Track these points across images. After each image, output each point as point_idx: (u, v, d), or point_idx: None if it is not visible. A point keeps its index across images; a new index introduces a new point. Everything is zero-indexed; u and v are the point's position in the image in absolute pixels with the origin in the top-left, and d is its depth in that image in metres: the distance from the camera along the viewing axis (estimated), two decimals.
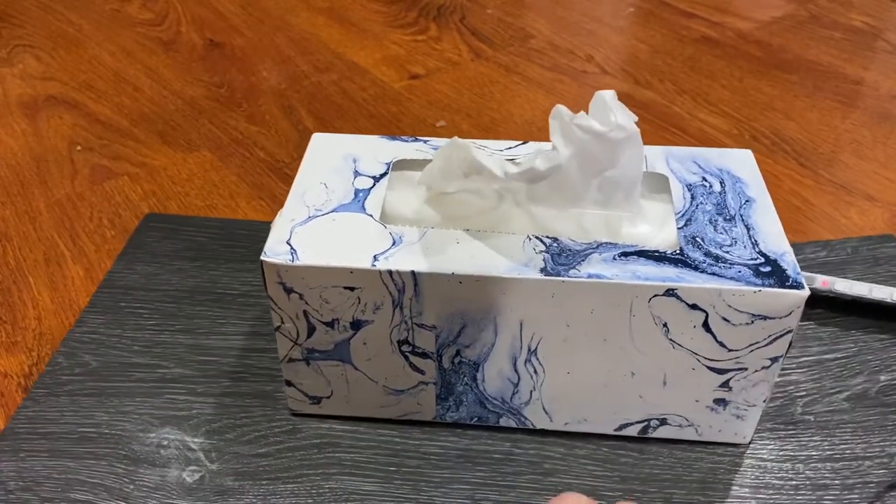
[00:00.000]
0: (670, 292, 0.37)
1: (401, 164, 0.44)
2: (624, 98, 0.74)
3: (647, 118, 0.71)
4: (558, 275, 0.37)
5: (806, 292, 0.36)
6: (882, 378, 0.46)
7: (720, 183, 0.42)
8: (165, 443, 0.43)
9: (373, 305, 0.39)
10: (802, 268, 0.53)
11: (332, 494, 0.40)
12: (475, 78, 0.77)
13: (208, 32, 0.84)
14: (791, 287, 0.36)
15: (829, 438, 0.43)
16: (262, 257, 0.38)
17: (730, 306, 0.37)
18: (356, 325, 0.40)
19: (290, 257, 0.38)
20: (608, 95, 0.37)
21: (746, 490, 0.41)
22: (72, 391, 0.46)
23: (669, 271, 0.37)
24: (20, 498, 0.40)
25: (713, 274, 0.37)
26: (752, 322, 0.37)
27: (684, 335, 0.38)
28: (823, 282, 0.49)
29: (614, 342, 0.39)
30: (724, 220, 0.40)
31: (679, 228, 0.39)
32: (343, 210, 0.41)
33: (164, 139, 0.69)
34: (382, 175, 0.43)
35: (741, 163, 0.44)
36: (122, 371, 0.47)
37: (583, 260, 0.38)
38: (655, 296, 0.37)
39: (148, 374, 0.47)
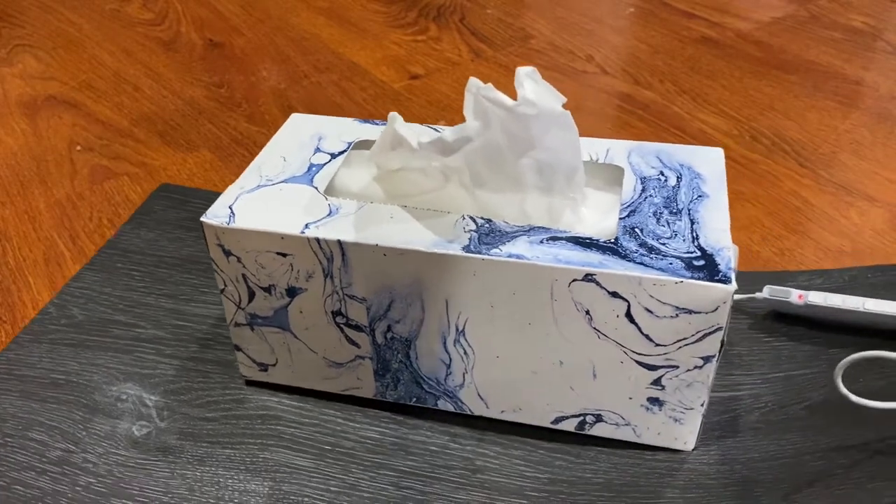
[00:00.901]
0: (589, 277, 0.36)
1: (362, 145, 0.45)
2: (624, 98, 0.74)
3: (647, 118, 0.71)
4: (479, 253, 0.37)
5: (732, 287, 0.35)
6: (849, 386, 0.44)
7: (677, 178, 0.42)
8: (124, 397, 0.45)
9: (305, 273, 0.40)
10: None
11: (264, 464, 0.42)
12: (475, 77, 0.77)
13: (208, 32, 0.84)
14: (717, 281, 0.35)
15: (776, 441, 0.42)
16: (202, 218, 0.40)
17: (651, 296, 0.36)
18: (291, 292, 0.41)
19: (228, 220, 0.40)
20: (524, 71, 0.37)
21: (676, 491, 0.40)
22: (53, 340, 0.49)
23: (594, 257, 0.36)
24: None
25: (640, 264, 0.36)
26: (677, 315, 0.36)
27: (608, 325, 0.38)
28: (799, 296, 0.49)
29: (539, 327, 0.39)
30: (670, 213, 0.39)
31: (621, 219, 0.39)
32: (293, 182, 0.42)
33: (164, 139, 0.69)
34: (341, 153, 0.44)
35: (707, 160, 0.43)
36: (103, 326, 0.50)
37: (509, 241, 0.38)
38: (575, 280, 0.36)
39: (125, 332, 0.50)
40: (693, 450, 0.42)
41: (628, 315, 0.37)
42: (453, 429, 0.44)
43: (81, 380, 0.46)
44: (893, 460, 0.41)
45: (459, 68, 0.78)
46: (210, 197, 0.61)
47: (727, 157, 0.66)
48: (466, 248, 0.37)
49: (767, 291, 0.49)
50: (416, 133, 0.39)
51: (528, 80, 0.37)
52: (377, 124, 0.47)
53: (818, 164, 0.65)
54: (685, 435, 0.41)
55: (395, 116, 0.40)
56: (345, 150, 0.44)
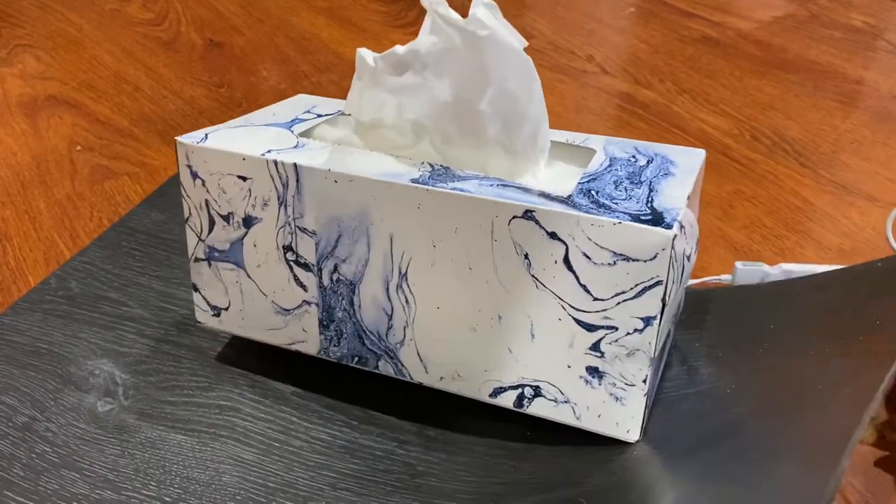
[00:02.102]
0: (529, 214, 0.36)
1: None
2: (624, 98, 0.74)
3: (647, 118, 0.71)
4: (425, 184, 0.38)
5: (672, 232, 0.34)
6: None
7: (647, 161, 0.41)
8: (97, 372, 0.46)
9: (262, 200, 0.42)
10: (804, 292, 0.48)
11: (211, 454, 0.42)
12: None
13: (208, 32, 0.84)
14: (656, 225, 0.34)
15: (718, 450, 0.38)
16: (176, 137, 0.43)
17: (589, 239, 0.36)
18: (248, 221, 0.43)
19: (200, 141, 0.42)
20: (481, 1, 0.37)
21: (636, 494, 0.37)
22: (47, 310, 0.50)
23: (536, 199, 0.37)
24: None
25: (585, 212, 0.36)
26: (615, 263, 0.35)
27: (546, 271, 0.37)
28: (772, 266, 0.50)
29: (479, 272, 0.39)
30: (631, 183, 0.39)
31: (579, 182, 0.39)
32: (272, 127, 0.44)
33: (164, 139, 0.69)
34: (328, 115, 0.46)
35: (685, 156, 0.42)
36: (94, 302, 0.51)
37: (458, 180, 0.38)
38: (515, 217, 0.36)
39: (112, 309, 0.51)
40: (637, 441, 0.39)
41: (566, 260, 0.36)
42: (403, 436, 0.43)
43: (62, 351, 0.47)
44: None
45: None
46: None
47: (728, 156, 0.66)
48: (414, 180, 0.38)
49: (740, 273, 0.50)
50: (374, 55, 0.41)
51: (482, 5, 0.37)
52: None
53: (819, 164, 0.65)
54: (627, 420, 0.39)
55: (361, 49, 0.42)
56: (332, 115, 0.47)
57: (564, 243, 0.36)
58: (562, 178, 0.41)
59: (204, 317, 0.47)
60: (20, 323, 0.49)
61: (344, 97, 0.74)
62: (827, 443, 0.31)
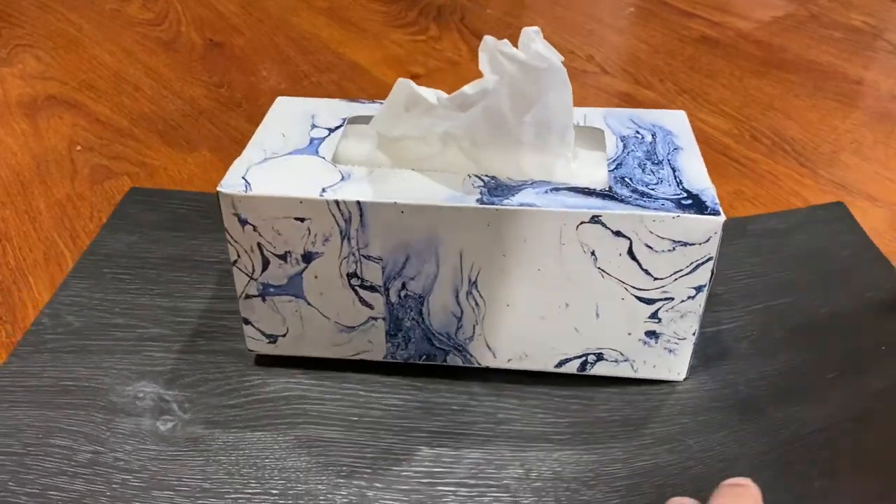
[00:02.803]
0: (595, 219, 0.39)
1: (356, 119, 0.47)
2: (624, 97, 0.74)
3: None
4: (492, 203, 0.39)
5: (722, 218, 0.39)
6: (822, 311, 0.50)
7: (652, 135, 0.45)
8: (141, 395, 0.45)
9: (322, 237, 0.41)
10: (758, 235, 0.56)
11: (297, 441, 0.43)
12: (475, 78, 0.77)
13: (208, 32, 0.84)
14: (709, 213, 0.39)
15: (769, 361, 0.46)
16: (217, 188, 0.40)
17: (651, 232, 0.39)
18: (307, 257, 0.42)
19: (244, 188, 0.40)
20: (532, 30, 0.39)
21: (687, 417, 0.43)
22: (54, 349, 0.48)
23: (596, 202, 0.40)
24: (2, 444, 0.42)
25: (637, 206, 0.39)
26: (674, 249, 0.40)
27: (611, 263, 0.41)
28: None
29: (548, 272, 0.41)
30: (653, 163, 0.43)
31: (610, 171, 0.42)
32: (298, 154, 0.43)
33: (164, 139, 0.69)
34: (338, 127, 0.46)
35: (674, 120, 0.47)
36: (103, 331, 0.49)
37: (516, 193, 0.40)
38: (582, 223, 0.39)
39: (127, 333, 0.49)
40: (685, 379, 0.45)
41: (630, 252, 0.40)
42: (470, 387, 0.46)
43: (93, 384, 0.46)
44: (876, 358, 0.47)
45: (460, 68, 0.78)
46: (182, 197, 0.60)
47: (728, 156, 0.67)
48: (480, 201, 0.40)
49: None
50: (433, 92, 0.41)
51: (537, 36, 0.39)
52: (364, 103, 0.48)
53: (818, 164, 0.66)
54: (678, 366, 0.45)
55: (407, 80, 0.41)
56: (340, 125, 0.46)
57: (629, 238, 0.40)
58: (589, 166, 0.43)
59: (257, 346, 0.46)
60: (31, 367, 0.47)
61: (343, 97, 0.74)
62: None
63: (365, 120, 0.46)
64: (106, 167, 0.65)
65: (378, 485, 0.41)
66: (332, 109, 0.48)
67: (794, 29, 0.84)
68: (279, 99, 0.49)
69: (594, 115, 0.47)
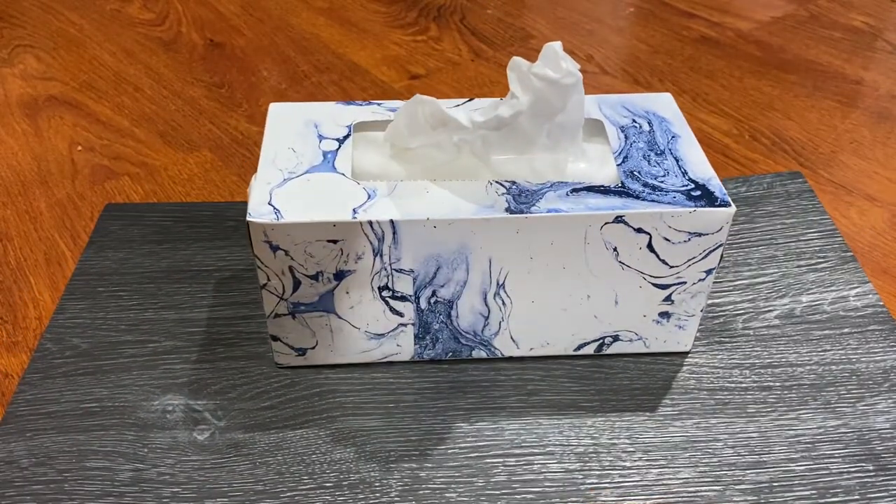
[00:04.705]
0: (619, 219, 0.41)
1: (361, 126, 0.47)
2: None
3: None
4: (521, 212, 0.41)
5: (733, 209, 0.42)
6: (804, 299, 0.52)
7: (648, 123, 0.47)
8: (170, 408, 0.45)
9: (355, 256, 0.42)
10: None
11: (339, 433, 0.43)
12: (475, 78, 0.77)
13: (209, 32, 0.85)
14: (720, 206, 0.42)
15: (766, 349, 0.49)
16: (247, 218, 0.40)
17: (670, 227, 0.42)
18: (339, 275, 0.43)
19: (275, 216, 0.40)
20: (557, 46, 0.41)
21: (704, 392, 0.46)
22: (66, 373, 0.47)
23: (616, 202, 0.42)
24: (36, 473, 0.41)
25: (653, 201, 0.42)
26: (689, 240, 0.42)
27: (632, 257, 0.43)
28: None
29: (572, 269, 0.43)
30: (656, 154, 0.45)
31: (618, 165, 0.44)
32: (315, 171, 0.43)
33: (165, 139, 0.69)
34: (346, 137, 0.46)
35: (664, 105, 0.49)
36: (113, 349, 0.48)
37: (540, 198, 0.42)
38: (606, 223, 0.42)
39: (140, 349, 0.48)
40: (691, 350, 0.48)
41: (649, 246, 0.43)
42: (495, 364, 0.48)
43: (116, 403, 0.45)
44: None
45: (460, 68, 0.78)
46: (161, 209, 0.59)
47: (727, 156, 0.67)
48: (509, 210, 0.41)
49: None
50: (462, 112, 0.42)
51: (561, 52, 0.41)
52: (361, 105, 0.48)
53: (818, 164, 0.66)
54: (685, 339, 0.48)
55: (431, 99, 0.42)
56: (347, 134, 0.46)
57: (648, 234, 0.42)
58: (596, 161, 0.45)
59: (286, 359, 0.47)
60: (47, 393, 0.45)
61: (344, 97, 0.74)
62: None
63: (369, 126, 0.47)
64: (107, 167, 0.65)
65: (428, 465, 0.42)
66: (331, 115, 0.47)
67: (793, 29, 0.84)
68: (272, 106, 0.48)
69: (588, 103, 0.48)
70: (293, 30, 0.84)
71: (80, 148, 0.67)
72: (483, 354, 0.47)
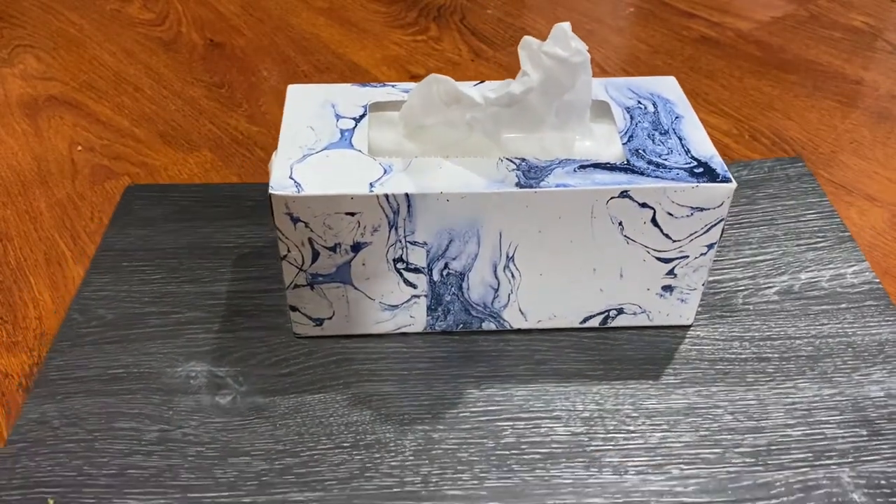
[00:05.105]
0: (624, 194, 0.43)
1: (376, 107, 0.49)
2: None
3: None
4: (531, 187, 0.43)
5: (733, 185, 0.43)
6: (802, 276, 0.54)
7: (653, 104, 0.49)
8: (194, 374, 0.48)
9: (371, 228, 0.44)
10: None
11: (356, 398, 0.46)
12: (475, 78, 0.77)
13: (209, 32, 0.85)
14: (721, 181, 0.43)
15: (766, 323, 0.51)
16: (270, 191, 0.43)
17: (673, 202, 0.44)
18: (356, 247, 0.45)
19: (296, 189, 0.43)
20: (566, 26, 0.43)
21: (705, 363, 0.49)
22: (94, 341, 0.50)
23: (622, 177, 0.44)
24: (67, 432, 0.44)
25: (657, 177, 0.44)
26: (692, 214, 0.44)
27: (636, 231, 0.45)
28: None
29: (579, 243, 0.45)
30: (660, 133, 0.47)
31: (624, 144, 0.46)
32: (333, 148, 0.46)
33: (165, 139, 0.69)
34: (362, 116, 0.48)
35: (668, 88, 0.51)
36: (138, 320, 0.51)
37: (549, 174, 0.44)
38: (612, 198, 0.44)
39: (163, 319, 0.51)
40: (693, 324, 0.51)
41: (653, 220, 0.45)
42: (504, 336, 0.50)
43: (142, 369, 0.48)
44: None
45: (460, 68, 0.79)
46: (182, 189, 0.61)
47: (727, 157, 0.67)
48: (519, 185, 0.43)
49: None
50: (476, 90, 0.44)
51: (570, 31, 0.43)
52: (376, 87, 0.51)
53: (818, 164, 0.66)
54: (687, 312, 0.50)
55: (446, 77, 0.44)
56: (363, 114, 0.48)
57: (653, 209, 0.44)
58: (603, 138, 0.47)
59: (304, 329, 0.49)
60: (75, 360, 0.48)
61: None
62: None
63: (384, 107, 0.49)
64: (107, 167, 0.65)
65: (441, 427, 0.45)
66: (348, 96, 0.50)
67: (793, 29, 0.84)
68: (291, 88, 0.50)
69: (595, 86, 0.50)
70: (293, 30, 0.84)
71: (80, 148, 0.67)
72: (492, 326, 0.50)
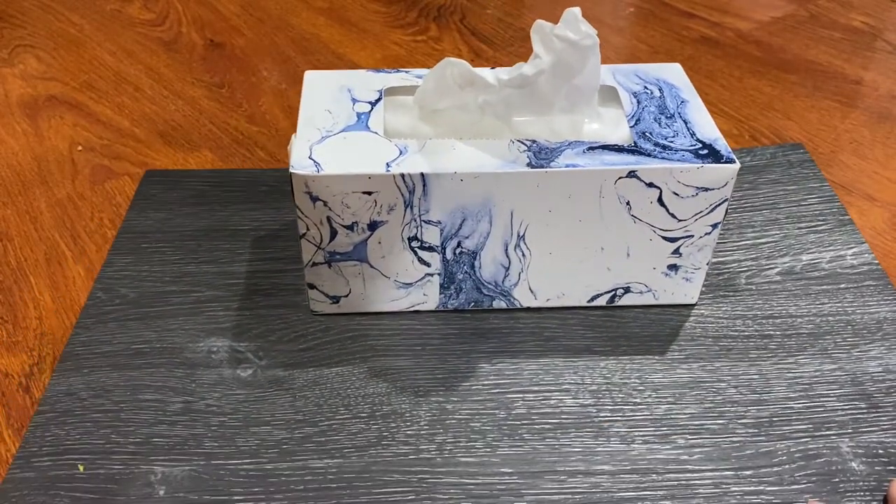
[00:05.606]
0: (632, 174, 0.45)
1: (391, 91, 0.52)
2: None
3: None
4: (541, 167, 0.45)
5: (737, 165, 0.46)
6: (803, 258, 0.56)
7: (659, 90, 0.51)
8: (215, 349, 0.50)
9: (387, 207, 0.46)
10: None
11: (372, 371, 0.49)
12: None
13: (209, 32, 0.85)
14: (725, 162, 0.46)
15: (768, 302, 0.53)
16: (290, 170, 0.45)
17: (679, 182, 0.46)
18: (373, 226, 0.47)
19: (316, 168, 0.45)
20: (577, 11, 0.44)
21: (710, 339, 0.51)
22: (117, 318, 0.52)
23: (629, 158, 0.46)
24: (94, 404, 0.47)
25: (663, 158, 0.46)
26: (697, 194, 0.46)
27: (643, 210, 0.47)
28: None
29: (588, 222, 0.48)
30: (666, 117, 0.49)
31: (631, 127, 0.48)
32: (350, 130, 0.48)
33: (165, 139, 0.69)
34: (377, 100, 0.50)
35: (674, 74, 0.53)
36: (160, 298, 0.54)
37: (559, 154, 0.46)
38: (620, 178, 0.46)
39: (184, 298, 0.54)
40: (697, 303, 0.53)
41: (660, 200, 0.47)
42: (514, 314, 0.52)
43: (164, 344, 0.50)
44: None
45: None
46: (199, 175, 0.64)
47: None
48: (530, 165, 0.45)
49: None
50: (489, 72, 0.46)
51: (580, 16, 0.44)
52: (390, 72, 0.53)
53: (818, 164, 0.66)
54: (692, 291, 0.52)
55: (460, 60, 0.46)
56: (379, 98, 0.50)
57: (659, 188, 0.46)
58: (611, 122, 0.49)
59: (321, 307, 0.52)
60: (100, 336, 0.51)
61: None
62: None
63: (399, 91, 0.52)
64: (107, 167, 0.65)
65: (454, 398, 0.47)
66: (363, 81, 0.52)
67: (793, 29, 0.85)
68: (308, 74, 0.53)
69: (603, 72, 0.52)
70: (293, 30, 0.84)
71: (80, 148, 0.67)
72: (503, 305, 0.52)
